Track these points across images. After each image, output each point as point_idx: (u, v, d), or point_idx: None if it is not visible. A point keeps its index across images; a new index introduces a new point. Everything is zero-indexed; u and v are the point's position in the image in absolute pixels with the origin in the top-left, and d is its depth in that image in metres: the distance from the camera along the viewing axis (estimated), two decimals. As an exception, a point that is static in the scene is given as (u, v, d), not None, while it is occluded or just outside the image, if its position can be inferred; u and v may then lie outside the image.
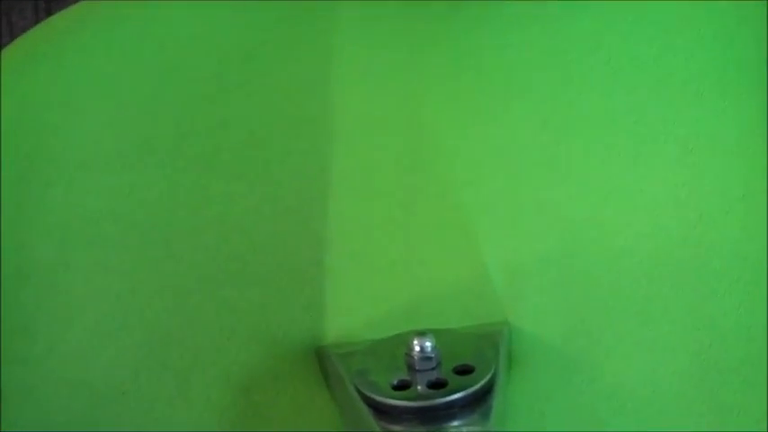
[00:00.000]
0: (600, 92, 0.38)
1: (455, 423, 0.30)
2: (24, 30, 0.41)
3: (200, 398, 0.35)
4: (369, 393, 0.31)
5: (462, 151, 0.37)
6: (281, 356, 0.36)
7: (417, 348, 0.31)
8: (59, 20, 0.39)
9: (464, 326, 0.35)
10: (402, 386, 0.31)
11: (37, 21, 0.65)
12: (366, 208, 0.37)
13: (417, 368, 0.31)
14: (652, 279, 0.35)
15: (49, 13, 0.64)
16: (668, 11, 0.39)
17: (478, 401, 0.30)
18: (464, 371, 0.32)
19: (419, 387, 0.31)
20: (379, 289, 0.36)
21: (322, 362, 0.34)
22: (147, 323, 0.35)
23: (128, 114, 0.37)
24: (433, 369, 0.31)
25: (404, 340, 0.32)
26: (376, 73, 0.39)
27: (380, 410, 0.30)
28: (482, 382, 0.31)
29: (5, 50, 0.38)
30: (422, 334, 0.32)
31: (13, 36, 0.60)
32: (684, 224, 0.36)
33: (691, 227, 0.36)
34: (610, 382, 0.35)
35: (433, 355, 0.31)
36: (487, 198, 0.37)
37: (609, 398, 0.34)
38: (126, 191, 0.36)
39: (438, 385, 0.31)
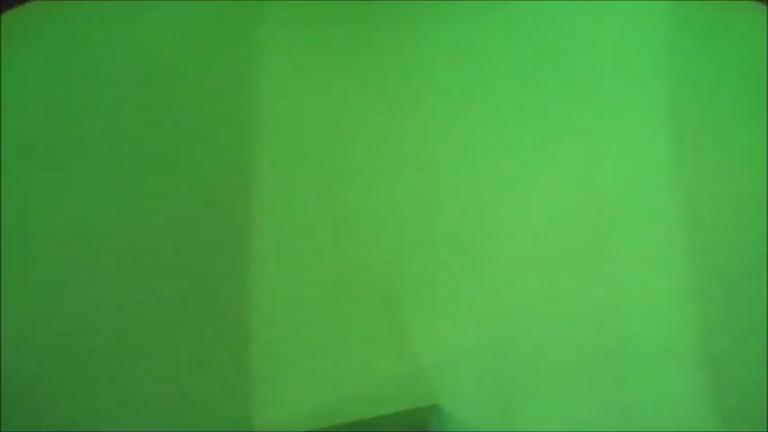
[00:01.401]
0: (509, 91, 0.40)
1: None
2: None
3: (126, 385, 0.37)
4: None
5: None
6: (208, 344, 0.37)
7: None
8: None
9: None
10: None
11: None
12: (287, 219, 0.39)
13: None
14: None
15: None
16: (572, 12, 0.41)
17: None
18: None
19: None
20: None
21: None
22: (74, 313, 0.37)
23: (57, 115, 0.39)
24: None
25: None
26: (300, 74, 0.41)
27: None
28: None
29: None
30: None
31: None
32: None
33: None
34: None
35: None
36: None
37: None
38: (55, 188, 0.38)
39: None
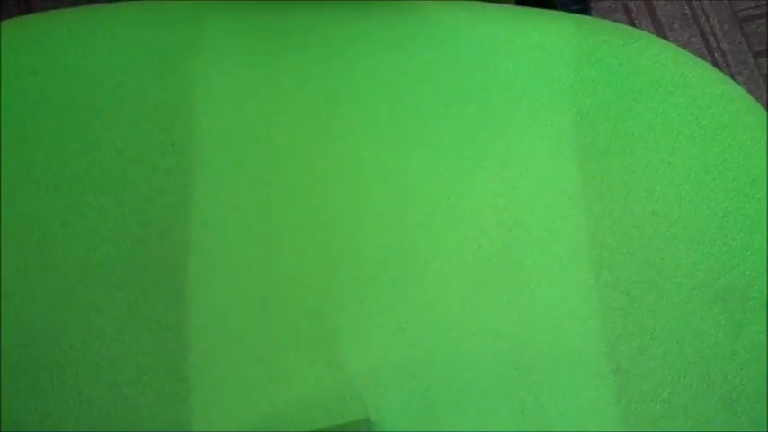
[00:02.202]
0: (430, 116, 0.43)
1: None
2: None
3: (71, 393, 0.39)
4: None
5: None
6: (148, 353, 0.40)
7: None
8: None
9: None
10: None
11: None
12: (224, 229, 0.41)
13: None
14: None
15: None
16: (489, 46, 0.44)
17: None
18: None
19: None
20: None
21: None
22: (20, 324, 0.39)
23: (4, 135, 0.41)
24: None
25: None
26: (235, 99, 0.43)
27: None
28: None
29: None
30: None
31: None
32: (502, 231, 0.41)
33: (507, 232, 0.41)
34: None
35: None
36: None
37: None
38: (1, 205, 0.40)
39: None
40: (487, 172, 0.42)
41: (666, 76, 0.44)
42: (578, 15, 0.45)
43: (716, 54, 0.76)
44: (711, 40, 0.76)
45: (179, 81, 0.43)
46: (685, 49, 0.48)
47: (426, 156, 0.42)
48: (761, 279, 0.41)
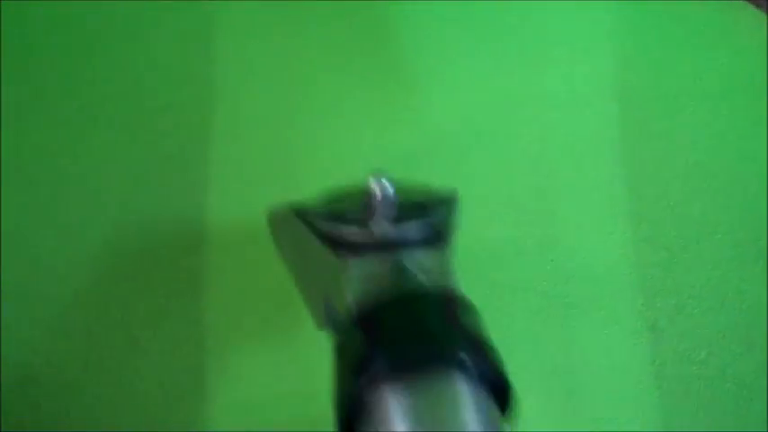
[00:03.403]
0: (466, 58, 0.41)
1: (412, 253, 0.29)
2: None
3: (80, 333, 0.37)
4: (330, 230, 0.30)
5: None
6: (163, 294, 0.38)
7: (378, 191, 0.29)
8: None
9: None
10: (363, 224, 0.30)
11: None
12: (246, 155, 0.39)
13: (377, 209, 0.30)
14: None
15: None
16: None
17: (433, 236, 0.30)
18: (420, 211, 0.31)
19: (378, 224, 0.30)
20: None
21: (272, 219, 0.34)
22: (30, 260, 0.37)
23: (15, 64, 0.39)
24: (391, 209, 0.30)
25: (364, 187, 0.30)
26: (255, 34, 0.41)
27: (343, 245, 0.30)
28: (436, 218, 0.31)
29: None
30: (380, 178, 0.29)
31: None
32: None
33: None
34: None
35: (392, 197, 0.29)
36: None
37: None
38: (14, 138, 0.38)
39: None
40: (522, 116, 0.40)
41: (714, 22, 0.42)
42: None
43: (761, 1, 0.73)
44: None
45: (198, 12, 0.41)
46: None
47: (457, 99, 0.40)
48: (807, 238, 0.39)
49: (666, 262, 0.39)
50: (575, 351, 0.39)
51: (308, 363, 0.37)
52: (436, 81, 0.40)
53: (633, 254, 0.39)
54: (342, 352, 0.23)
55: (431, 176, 0.39)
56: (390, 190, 0.30)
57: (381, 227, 0.30)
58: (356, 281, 0.28)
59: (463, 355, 0.21)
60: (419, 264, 0.28)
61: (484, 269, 0.39)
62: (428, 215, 0.30)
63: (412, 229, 0.30)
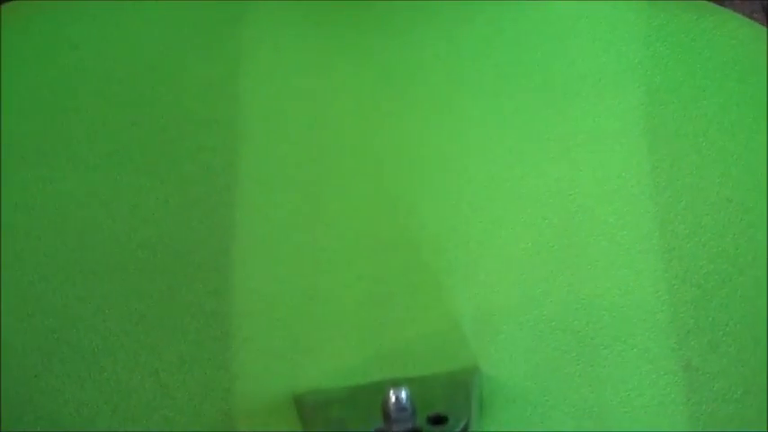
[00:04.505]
0: (489, 94, 0.40)
1: None
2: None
3: (109, 382, 0.37)
4: None
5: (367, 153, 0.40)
6: (190, 340, 0.38)
7: (393, 399, 0.32)
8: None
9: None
10: None
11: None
12: (272, 202, 0.39)
13: (393, 418, 0.32)
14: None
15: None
16: (552, 18, 0.42)
17: None
18: (438, 420, 0.33)
19: None
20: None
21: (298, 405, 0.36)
22: (58, 309, 0.37)
23: (43, 112, 0.39)
24: (408, 419, 0.32)
25: (380, 389, 0.33)
26: (284, 75, 0.41)
27: None
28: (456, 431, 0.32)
29: None
30: (397, 385, 0.32)
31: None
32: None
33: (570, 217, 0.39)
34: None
35: (408, 406, 0.32)
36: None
37: None
38: (41, 184, 0.38)
39: None
40: (550, 153, 0.39)
41: (742, 53, 0.41)
42: (648, -12, 0.42)
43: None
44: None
45: (225, 55, 0.41)
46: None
47: (485, 136, 0.40)
48: (843, 272, 0.38)
49: (699, 299, 0.39)
50: (607, 391, 0.38)
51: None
52: (461, 119, 0.40)
53: (665, 291, 0.38)
54: None
55: (457, 219, 0.39)
56: (408, 404, 0.31)
57: None
58: None
59: None
60: None
61: (512, 309, 0.39)
62: (449, 429, 0.32)
63: None
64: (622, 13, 0.41)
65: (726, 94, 0.40)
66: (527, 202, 0.39)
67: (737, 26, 0.41)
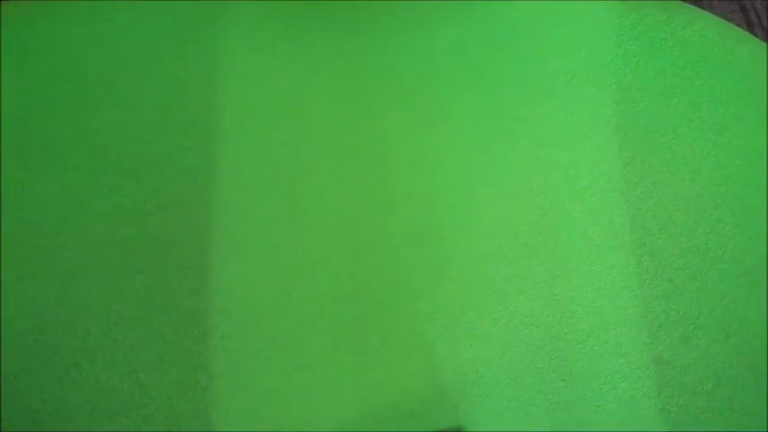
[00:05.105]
0: (463, 93, 0.41)
1: None
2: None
3: (87, 381, 0.37)
4: None
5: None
6: (168, 340, 0.38)
7: None
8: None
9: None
10: None
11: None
12: (252, 203, 0.40)
13: None
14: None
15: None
16: (525, 17, 0.42)
17: None
18: None
19: None
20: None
21: None
22: (35, 310, 0.38)
23: (20, 114, 0.40)
24: None
25: None
26: (261, 75, 0.41)
27: None
28: None
29: None
30: None
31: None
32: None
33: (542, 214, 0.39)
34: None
35: None
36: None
37: None
38: (18, 185, 0.39)
39: None
40: (521, 152, 0.40)
41: (713, 51, 0.41)
42: (619, -13, 0.42)
43: (756, 30, 0.73)
44: (752, 15, 0.73)
45: (201, 57, 0.41)
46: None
47: (457, 135, 0.40)
48: (813, 266, 0.39)
49: (670, 293, 0.39)
50: (580, 385, 0.39)
51: (317, 410, 0.38)
52: (435, 117, 0.40)
53: (637, 286, 0.39)
54: None
55: (431, 216, 0.39)
56: None
57: None
58: None
59: None
60: None
61: (487, 306, 0.39)
62: None
63: None
64: (594, 12, 0.41)
65: (697, 92, 0.40)
66: (500, 200, 0.39)
67: (708, 25, 0.42)
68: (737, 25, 0.45)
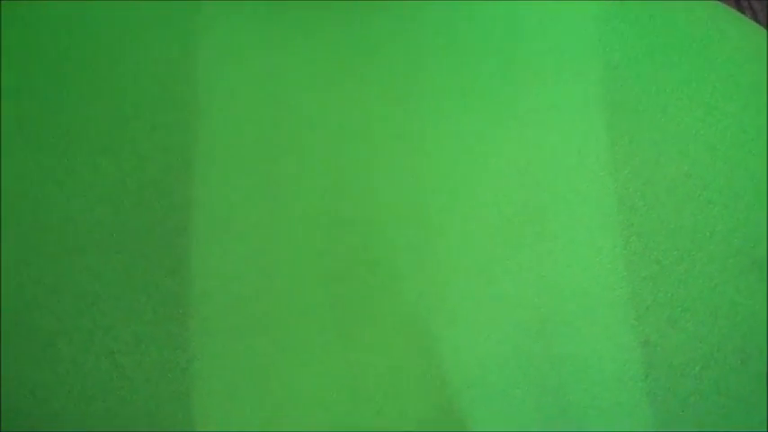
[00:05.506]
0: (448, 73, 0.40)
1: None
2: None
3: (64, 362, 0.37)
4: None
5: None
6: (147, 321, 0.37)
7: None
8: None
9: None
10: None
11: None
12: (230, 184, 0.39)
13: None
14: None
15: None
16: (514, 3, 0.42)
17: None
18: None
19: None
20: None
21: None
22: (12, 290, 0.37)
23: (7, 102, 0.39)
24: None
25: None
26: (239, 54, 0.41)
27: None
28: None
29: None
30: None
31: None
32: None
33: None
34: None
35: None
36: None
37: None
38: (-8, 163, 0.38)
39: None
40: (508, 131, 0.39)
41: (702, 29, 0.41)
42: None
43: (746, 12, 0.72)
44: (748, 13, 0.72)
45: (180, 34, 0.40)
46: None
47: (443, 114, 0.39)
48: (802, 247, 0.39)
49: (658, 275, 0.39)
50: (566, 367, 0.38)
51: (299, 391, 0.37)
52: (420, 97, 0.40)
53: (624, 268, 0.38)
54: None
55: (416, 196, 0.39)
56: None
57: None
58: None
59: None
60: None
61: (473, 286, 0.38)
62: None
63: None
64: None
65: (685, 71, 0.40)
66: (486, 180, 0.39)
67: (696, 2, 0.41)
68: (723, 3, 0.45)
